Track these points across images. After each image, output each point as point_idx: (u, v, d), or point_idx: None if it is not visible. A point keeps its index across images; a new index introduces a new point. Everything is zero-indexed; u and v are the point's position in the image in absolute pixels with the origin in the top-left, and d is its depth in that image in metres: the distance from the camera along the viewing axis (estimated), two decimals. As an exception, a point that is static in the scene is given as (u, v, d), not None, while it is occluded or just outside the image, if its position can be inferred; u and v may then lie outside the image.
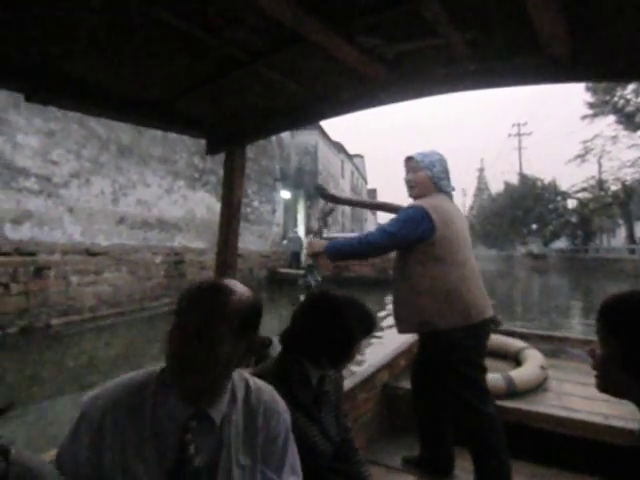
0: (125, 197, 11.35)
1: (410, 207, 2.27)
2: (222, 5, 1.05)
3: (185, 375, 0.99)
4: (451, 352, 2.16)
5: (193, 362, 0.97)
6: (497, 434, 2.14)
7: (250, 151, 18.39)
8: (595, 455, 2.28)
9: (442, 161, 2.39)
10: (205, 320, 0.99)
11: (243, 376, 1.17)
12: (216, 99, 1.60)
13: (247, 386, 1.15)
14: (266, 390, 1.19)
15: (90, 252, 10.09)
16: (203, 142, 1.98)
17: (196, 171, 14.14)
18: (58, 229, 9.34)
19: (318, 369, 1.51)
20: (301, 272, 19.47)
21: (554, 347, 3.86)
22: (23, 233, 8.57)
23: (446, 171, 2.39)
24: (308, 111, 1.72)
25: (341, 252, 2.29)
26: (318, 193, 2.82)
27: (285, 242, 21.73)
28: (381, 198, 66.03)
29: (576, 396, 2.88)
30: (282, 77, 1.42)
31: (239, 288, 1.07)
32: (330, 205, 2.74)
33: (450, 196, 2.41)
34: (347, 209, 37.78)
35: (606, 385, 1.03)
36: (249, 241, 17.77)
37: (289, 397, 1.38)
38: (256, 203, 19.06)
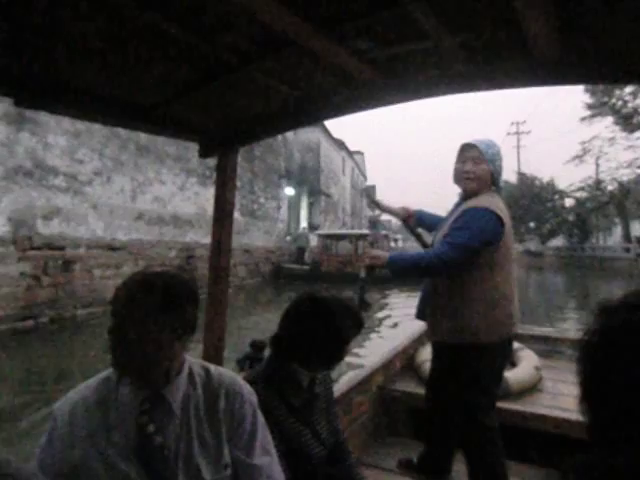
0: (143, 194, 11.83)
1: (478, 211, 2.01)
2: (214, 10, 1.05)
3: (121, 356, 1.05)
4: (487, 364, 2.06)
5: (123, 341, 1.04)
6: (496, 445, 2.09)
7: (257, 149, 18.85)
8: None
9: (501, 154, 2.18)
10: (127, 300, 1.06)
11: (204, 365, 1.22)
12: (208, 103, 1.60)
13: (208, 372, 1.19)
14: (228, 375, 1.22)
15: (111, 247, 10.58)
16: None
17: (207, 168, 14.58)
18: (83, 225, 9.82)
19: (309, 372, 1.52)
20: (305, 267, 19.96)
21: (548, 347, 3.85)
22: (52, 228, 9.06)
23: (502, 167, 2.20)
24: (300, 114, 1.71)
25: (405, 269, 2.10)
26: (367, 199, 2.90)
27: (288, 238, 22.21)
28: (380, 194, 66.41)
29: (571, 396, 2.72)
30: (274, 80, 1.42)
31: (162, 270, 1.15)
32: (377, 213, 2.65)
33: (501, 194, 2.22)
34: (347, 205, 38.23)
35: None
36: (256, 237, 18.26)
37: (280, 401, 1.43)
38: (262, 200, 19.53)
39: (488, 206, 2.01)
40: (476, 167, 2.10)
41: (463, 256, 1.95)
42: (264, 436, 1.19)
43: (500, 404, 2.48)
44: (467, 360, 2.06)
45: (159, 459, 1.05)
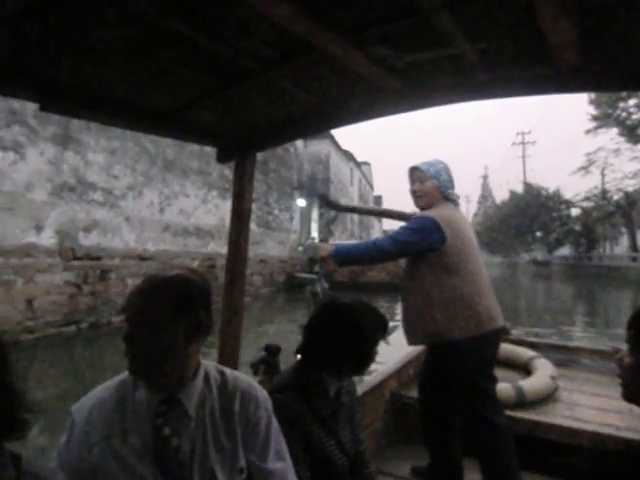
0: (169, 207, 12.47)
1: (420, 217, 2.25)
2: (235, 17, 1.05)
3: (135, 362, 1.06)
4: (462, 362, 2.14)
5: (137, 347, 1.04)
6: (508, 446, 2.12)
7: (271, 162, 19.51)
8: (606, 467, 2.23)
9: (447, 169, 2.37)
10: (139, 306, 1.06)
11: (220, 368, 1.22)
12: (227, 108, 1.60)
13: (223, 376, 1.19)
14: (243, 379, 1.22)
15: (142, 257, 11.18)
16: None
17: (226, 182, 15.22)
18: (117, 236, 10.46)
19: (337, 380, 1.51)
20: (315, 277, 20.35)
21: (565, 357, 3.81)
22: (91, 240, 9.68)
23: (451, 179, 2.37)
24: (319, 120, 1.71)
25: (348, 256, 2.25)
26: (322, 201, 2.76)
27: (300, 248, 22.77)
28: (386, 204, 66.94)
29: (587, 407, 2.83)
30: (293, 87, 1.42)
31: (175, 273, 1.13)
32: (333, 213, 2.64)
33: (456, 204, 2.40)
34: (355, 216, 38.75)
35: (633, 394, 1.00)
36: (270, 247, 18.86)
37: (308, 411, 1.41)
38: (276, 211, 20.14)
39: (430, 214, 2.24)
40: (422, 185, 2.35)
41: (395, 247, 2.19)
42: (278, 441, 1.19)
43: (515, 413, 2.50)
44: (444, 358, 2.19)
45: (175, 462, 1.05)
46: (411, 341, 2.33)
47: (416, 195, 2.38)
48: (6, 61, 1.15)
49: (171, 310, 1.05)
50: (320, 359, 1.47)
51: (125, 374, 1.13)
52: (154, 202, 11.86)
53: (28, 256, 8.16)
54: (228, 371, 1.22)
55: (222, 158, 1.95)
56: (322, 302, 1.62)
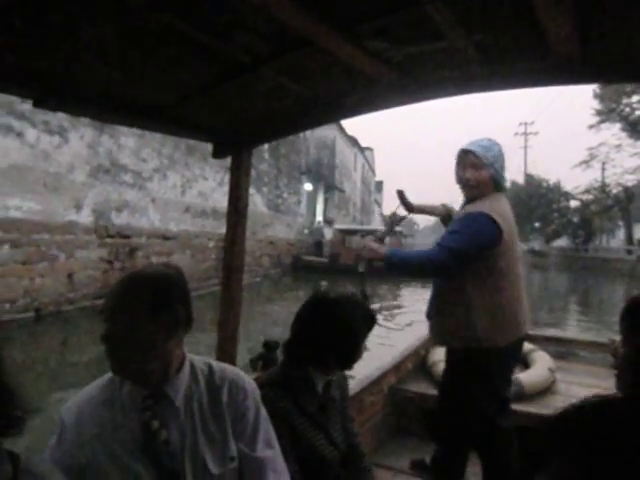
0: (190, 189, 13.05)
1: (473, 216, 2.00)
2: (230, 10, 1.04)
3: (116, 361, 1.06)
4: (495, 368, 2.04)
5: (117, 346, 1.05)
6: (511, 448, 2.07)
7: (282, 147, 19.98)
8: None
9: (502, 154, 2.11)
10: (116, 305, 1.06)
11: (206, 361, 1.22)
12: (222, 103, 1.58)
13: (210, 368, 1.19)
14: (231, 370, 1.23)
15: (165, 236, 11.81)
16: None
17: (241, 166, 15.76)
18: (144, 216, 11.06)
19: (324, 375, 1.50)
20: (323, 260, 21.06)
21: (562, 349, 3.81)
22: (122, 219, 10.29)
23: (504, 165, 2.11)
24: (315, 114, 1.70)
25: (400, 267, 2.10)
26: (400, 199, 2.53)
27: (306, 231, 23.37)
28: (387, 189, 67.19)
29: None
30: (289, 81, 1.41)
31: (150, 270, 1.14)
32: (401, 213, 2.52)
33: (506, 194, 2.17)
34: (357, 200, 39.14)
35: (627, 385, 0.99)
36: (279, 230, 19.47)
37: (294, 406, 1.40)
38: (285, 195, 20.69)
39: (483, 210, 1.98)
40: (476, 173, 2.04)
41: (452, 260, 1.93)
42: (267, 430, 1.19)
43: (513, 406, 2.46)
44: (473, 363, 2.04)
45: (166, 454, 1.06)
46: (439, 341, 2.25)
47: (467, 184, 2.09)
48: None
49: (148, 308, 1.05)
50: (306, 353, 1.47)
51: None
52: (177, 184, 12.43)
53: (69, 233, 8.77)
54: (215, 363, 1.23)
55: (218, 153, 1.92)
56: (310, 297, 1.58)
